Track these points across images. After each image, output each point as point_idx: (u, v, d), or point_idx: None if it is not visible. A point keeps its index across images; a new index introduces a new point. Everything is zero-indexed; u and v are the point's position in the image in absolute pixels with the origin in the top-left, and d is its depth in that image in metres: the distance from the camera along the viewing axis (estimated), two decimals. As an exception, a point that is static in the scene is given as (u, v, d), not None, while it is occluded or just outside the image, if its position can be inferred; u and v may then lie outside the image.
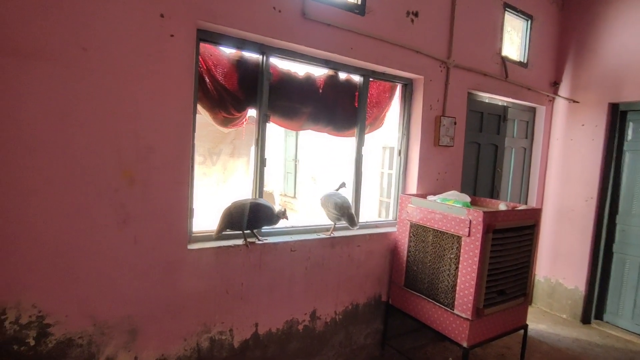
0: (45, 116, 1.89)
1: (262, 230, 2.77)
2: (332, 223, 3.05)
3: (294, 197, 9.15)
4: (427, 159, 3.47)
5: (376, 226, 3.39)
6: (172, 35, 2.19)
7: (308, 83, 3.00)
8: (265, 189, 2.93)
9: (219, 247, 2.47)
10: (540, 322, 4.34)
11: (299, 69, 2.96)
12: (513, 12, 4.06)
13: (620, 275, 4.19)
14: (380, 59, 3.06)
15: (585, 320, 4.35)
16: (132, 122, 2.11)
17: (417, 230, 3.08)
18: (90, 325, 2.08)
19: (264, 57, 2.69)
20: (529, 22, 4.27)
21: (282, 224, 2.85)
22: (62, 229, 1.97)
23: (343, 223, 3.03)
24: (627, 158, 4.15)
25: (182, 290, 2.35)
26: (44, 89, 1.88)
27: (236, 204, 2.57)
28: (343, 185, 3.20)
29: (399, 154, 3.54)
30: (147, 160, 2.16)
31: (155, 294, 2.26)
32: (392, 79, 3.35)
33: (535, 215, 3.03)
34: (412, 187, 3.47)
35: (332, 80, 3.09)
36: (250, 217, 2.54)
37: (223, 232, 2.55)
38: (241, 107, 2.75)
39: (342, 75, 3.14)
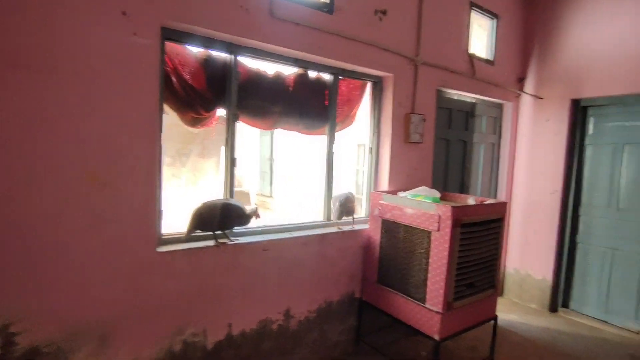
0: (5, 121, 1.83)
1: (236, 231, 2.75)
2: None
3: (271, 196, 9.11)
4: (398, 155, 3.52)
5: (349, 223, 3.41)
6: (135, 34, 2.15)
7: (278, 82, 2.99)
8: (241, 188, 2.93)
9: (190, 249, 2.45)
10: (511, 312, 4.48)
11: (269, 68, 2.95)
12: (479, 10, 4.17)
13: (584, 265, 4.36)
14: (350, 57, 3.08)
15: (553, 309, 4.51)
16: (97, 124, 2.06)
17: (389, 226, 3.12)
18: (59, 332, 2.02)
19: (232, 56, 2.67)
20: (495, 20, 4.38)
21: (255, 223, 2.84)
22: (28, 233, 1.91)
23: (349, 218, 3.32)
24: (588, 152, 4.33)
25: (153, 293, 2.31)
26: (4, 92, 1.82)
27: (206, 205, 2.54)
28: None
29: (370, 151, 3.58)
30: (114, 163, 2.12)
31: (125, 297, 2.21)
32: (362, 76, 3.39)
33: (501, 209, 3.13)
34: (384, 183, 3.51)
35: (301, 79, 3.09)
36: (220, 217, 2.52)
37: (193, 234, 2.52)
38: (210, 107, 2.72)
39: (312, 74, 3.15)
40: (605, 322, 4.16)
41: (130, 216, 2.20)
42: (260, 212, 2.82)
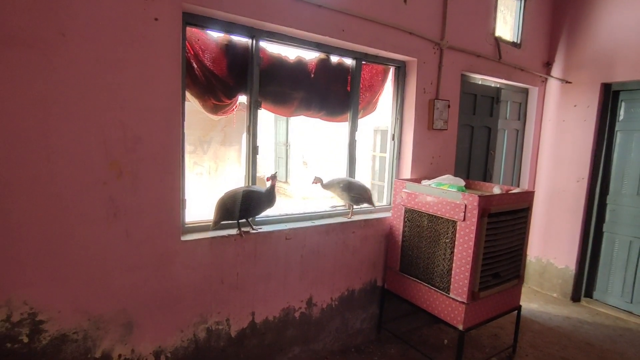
0: (24, 107, 1.80)
1: (257, 219, 2.74)
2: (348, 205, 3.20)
3: (286, 181, 9.10)
4: (421, 143, 3.44)
5: (370, 212, 3.37)
6: (156, 19, 2.09)
7: (299, 67, 2.92)
8: (257, 174, 2.88)
9: (213, 238, 2.44)
10: (531, 301, 4.42)
11: (290, 53, 2.88)
12: (506, -10, 3.99)
13: (609, 254, 4.25)
14: (373, 41, 2.98)
15: (576, 298, 4.44)
16: (117, 111, 2.03)
17: (412, 215, 3.07)
18: (84, 320, 2.05)
19: (254, 41, 2.60)
20: (522, 1, 4.19)
21: (276, 211, 2.82)
22: (50, 224, 1.91)
23: (364, 205, 3.27)
24: (618, 138, 4.17)
25: (177, 281, 2.32)
26: (20, 77, 1.78)
27: (229, 194, 2.52)
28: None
29: (393, 138, 3.50)
30: (135, 151, 2.09)
31: (149, 286, 2.23)
32: (385, 61, 3.28)
33: (528, 198, 3.04)
34: (406, 171, 3.44)
35: (323, 64, 3.01)
36: (243, 206, 2.50)
37: (221, 223, 2.51)
38: (231, 94, 2.67)
39: (334, 59, 3.06)
40: (630, 312, 4.08)
41: (153, 205, 2.19)
42: (276, 198, 2.73)
